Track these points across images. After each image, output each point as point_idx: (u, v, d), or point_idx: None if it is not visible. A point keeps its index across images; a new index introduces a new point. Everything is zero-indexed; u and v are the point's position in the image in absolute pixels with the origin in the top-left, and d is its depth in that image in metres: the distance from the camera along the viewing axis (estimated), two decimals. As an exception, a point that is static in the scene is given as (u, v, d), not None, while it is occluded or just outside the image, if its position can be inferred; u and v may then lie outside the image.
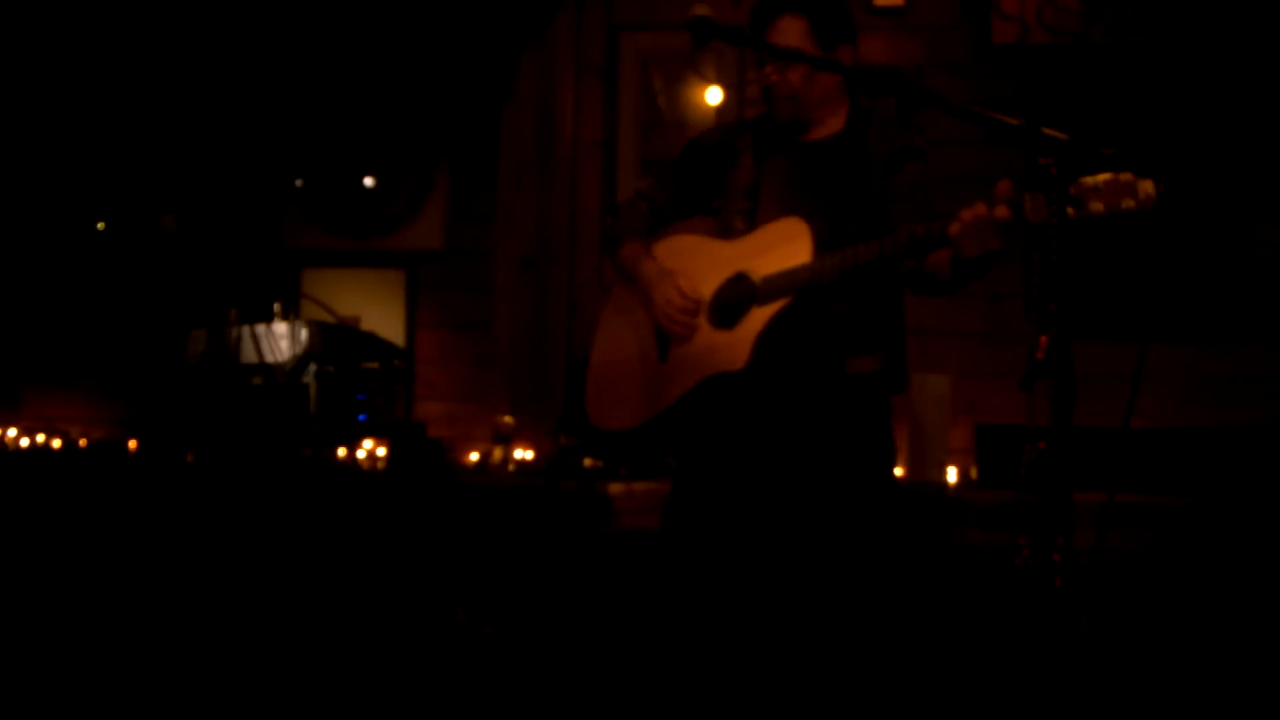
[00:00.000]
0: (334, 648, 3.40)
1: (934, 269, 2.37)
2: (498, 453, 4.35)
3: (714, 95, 4.51)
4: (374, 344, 3.89)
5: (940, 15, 4.40)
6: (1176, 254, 4.18)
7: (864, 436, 2.61)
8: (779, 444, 2.59)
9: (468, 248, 4.81)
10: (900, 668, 2.67)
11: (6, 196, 5.07)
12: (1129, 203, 1.84)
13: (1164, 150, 4.14)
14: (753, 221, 2.61)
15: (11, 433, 4.90)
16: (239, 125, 4.80)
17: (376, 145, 4.83)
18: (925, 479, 3.89)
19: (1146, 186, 1.83)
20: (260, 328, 3.61)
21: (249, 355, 3.63)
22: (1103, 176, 1.86)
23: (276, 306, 3.66)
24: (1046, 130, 1.83)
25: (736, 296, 2.55)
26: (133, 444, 4.47)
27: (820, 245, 2.43)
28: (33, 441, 4.86)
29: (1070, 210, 1.85)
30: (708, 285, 2.62)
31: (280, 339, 3.60)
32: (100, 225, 5.02)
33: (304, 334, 3.59)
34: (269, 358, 3.59)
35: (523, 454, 4.37)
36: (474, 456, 4.48)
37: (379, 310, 4.79)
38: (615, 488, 3.73)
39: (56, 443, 4.82)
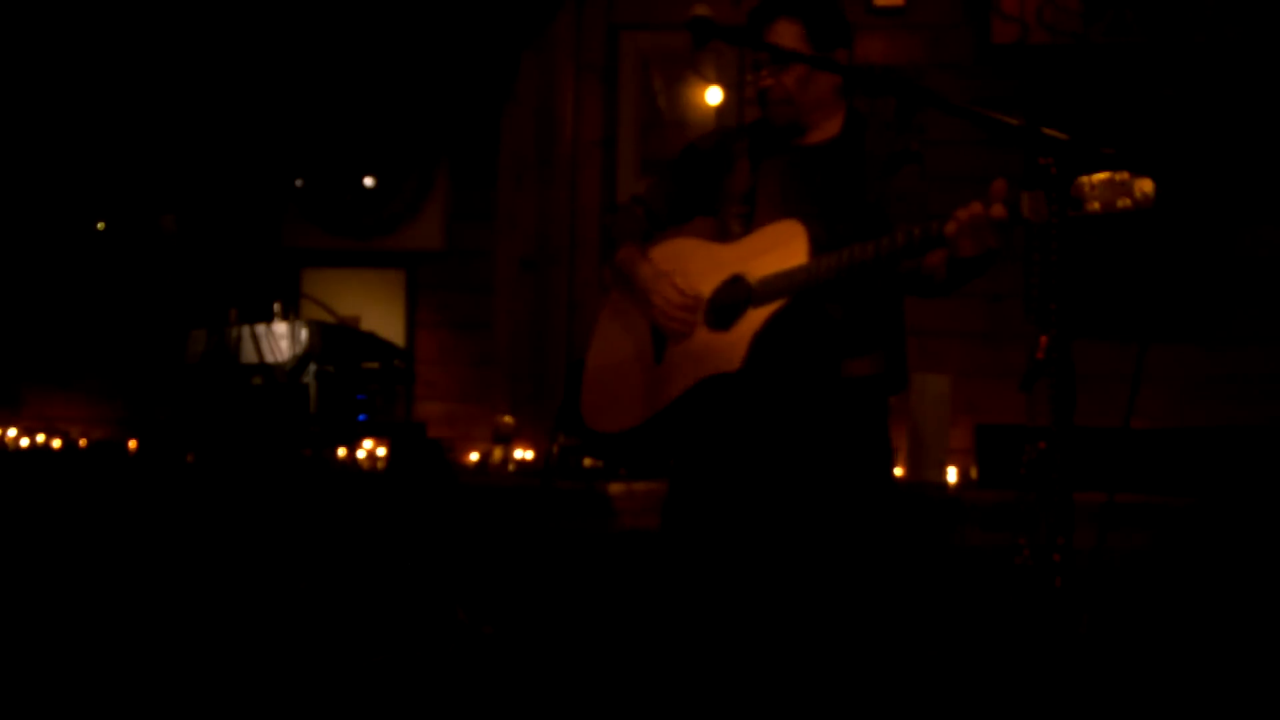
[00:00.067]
0: (334, 648, 3.40)
1: (930, 270, 2.37)
2: (498, 453, 4.35)
3: (714, 95, 4.51)
4: (374, 344, 3.89)
5: (940, 15, 4.40)
6: (1177, 254, 4.17)
7: (860, 438, 2.62)
8: (774, 445, 2.60)
9: (468, 248, 4.81)
10: (900, 668, 2.67)
11: (6, 196, 5.07)
12: (1126, 202, 1.84)
13: (1164, 150, 4.14)
14: (749, 225, 2.62)
15: (11, 433, 4.90)
16: (239, 125, 4.80)
17: (376, 145, 4.83)
18: (925, 479, 3.88)
19: (1144, 186, 1.83)
20: (260, 328, 3.61)
21: (249, 355, 3.63)
22: (1100, 176, 1.87)
23: (276, 306, 3.66)
24: (1046, 130, 1.83)
25: (733, 298, 2.56)
26: (133, 444, 4.47)
27: (816, 247, 2.44)
28: (33, 441, 4.86)
29: (1054, 205, 1.85)
30: (705, 287, 2.63)
31: (280, 339, 3.60)
32: (100, 225, 5.02)
33: (304, 334, 3.59)
34: (269, 358, 3.59)
35: (523, 454, 4.37)
36: (474, 456, 4.48)
37: (379, 310, 4.80)
38: (615, 488, 3.73)
39: (56, 443, 4.82)
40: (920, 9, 4.41)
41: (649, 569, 2.74)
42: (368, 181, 4.83)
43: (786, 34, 2.57)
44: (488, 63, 4.71)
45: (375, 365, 3.86)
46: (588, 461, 3.97)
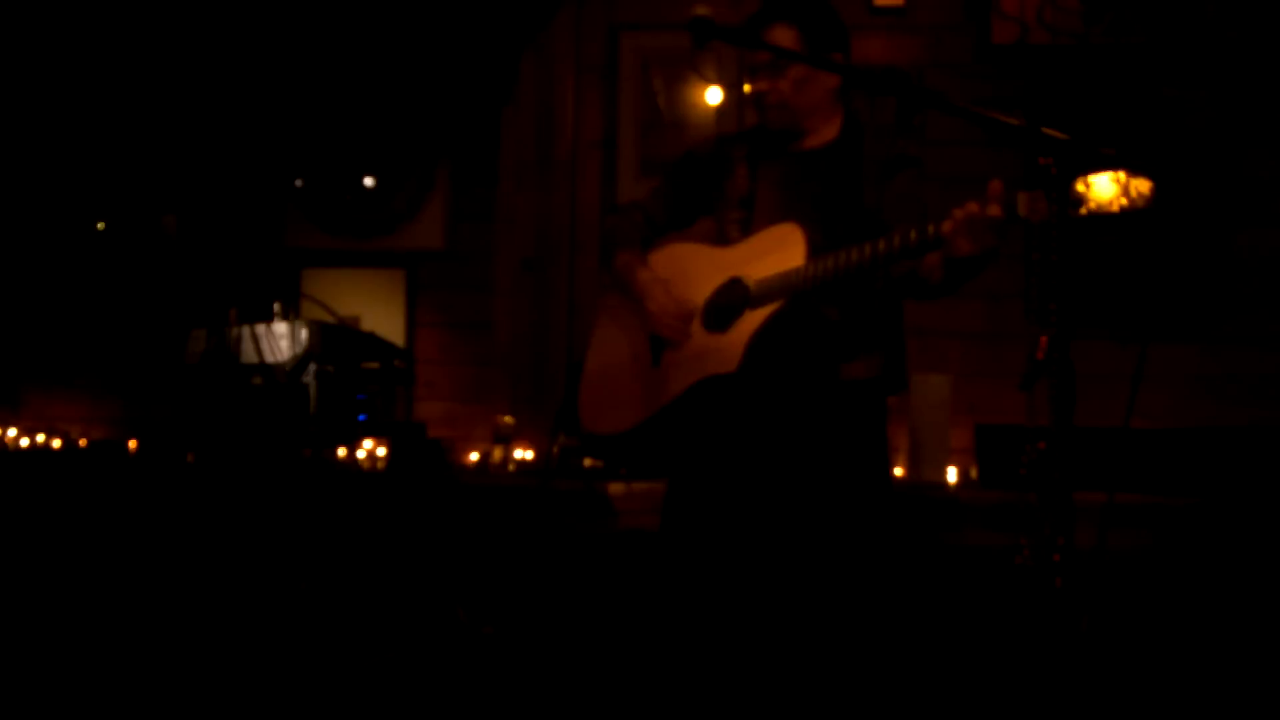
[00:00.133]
0: (334, 648, 3.40)
1: (927, 271, 2.38)
2: (498, 453, 4.35)
3: (714, 95, 4.51)
4: (374, 344, 3.89)
5: (940, 15, 4.40)
6: (1178, 253, 4.17)
7: (857, 440, 2.62)
8: (770, 446, 2.60)
9: (468, 248, 4.81)
10: (900, 668, 2.67)
11: (6, 196, 5.07)
12: (1123, 202, 1.84)
13: (1163, 150, 4.14)
14: (748, 230, 2.63)
15: (11, 433, 4.91)
16: (239, 125, 4.80)
17: (376, 145, 4.83)
18: (925, 479, 3.88)
19: (1141, 186, 1.83)
20: (260, 328, 3.61)
21: (249, 355, 3.62)
22: (1097, 176, 1.87)
23: (276, 306, 3.66)
24: (1046, 130, 1.83)
25: (730, 300, 2.57)
26: (133, 444, 4.47)
27: (814, 250, 2.45)
28: (33, 441, 4.86)
29: (1054, 205, 1.86)
30: (703, 290, 2.64)
31: (280, 339, 3.60)
32: (100, 225, 5.01)
33: (304, 334, 3.59)
34: (269, 358, 3.59)
35: (523, 454, 4.37)
36: (474, 456, 4.48)
37: (379, 310, 4.80)
38: (615, 488, 3.73)
39: (56, 443, 4.82)
40: (920, 9, 4.40)
41: (649, 569, 2.75)
42: (368, 181, 4.83)
43: (783, 40, 2.58)
44: (488, 63, 4.71)
45: (375, 365, 3.85)
46: (588, 461, 3.96)
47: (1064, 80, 4.24)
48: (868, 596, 2.57)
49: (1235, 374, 4.15)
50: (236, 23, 4.68)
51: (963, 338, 4.32)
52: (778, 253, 2.49)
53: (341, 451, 4.37)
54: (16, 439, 4.88)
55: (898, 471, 3.95)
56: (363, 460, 4.35)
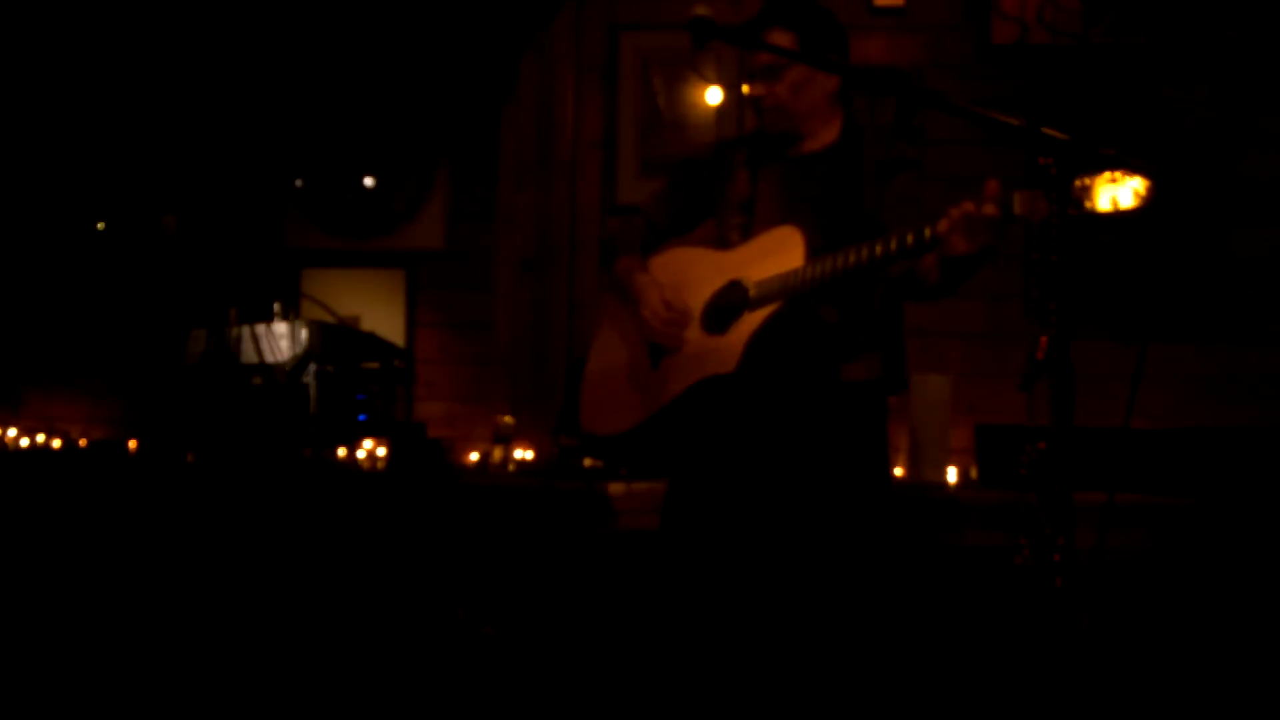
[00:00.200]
0: (334, 648, 3.40)
1: (924, 272, 2.39)
2: (498, 453, 4.35)
3: (714, 95, 4.51)
4: (374, 344, 3.89)
5: (940, 15, 4.40)
6: (1178, 253, 4.17)
7: (857, 441, 2.62)
8: (769, 447, 2.60)
9: (468, 248, 4.81)
10: (900, 668, 2.67)
11: (6, 196, 5.07)
12: (1119, 200, 1.85)
13: (1164, 150, 4.14)
14: (749, 234, 2.65)
15: (11, 433, 4.91)
16: (239, 125, 4.80)
17: (376, 145, 4.83)
18: (925, 479, 3.88)
19: (1136, 184, 1.84)
20: (260, 328, 3.61)
21: (249, 355, 3.62)
22: (1094, 175, 1.87)
23: (276, 306, 3.66)
24: (1046, 130, 1.83)
25: (729, 302, 2.58)
26: (133, 444, 4.47)
27: (813, 252, 2.46)
28: (33, 441, 4.86)
29: (1054, 205, 1.86)
30: (704, 293, 2.65)
31: (280, 339, 3.60)
32: (100, 225, 5.01)
33: (304, 334, 3.59)
34: (269, 358, 3.59)
35: (523, 454, 4.37)
36: (474, 456, 4.48)
37: (379, 310, 4.80)
38: (615, 488, 3.73)
39: (56, 443, 4.82)
40: (920, 9, 4.40)
41: (649, 569, 2.75)
42: (368, 181, 4.83)
43: (780, 43, 2.59)
44: (488, 63, 4.71)
45: (375, 365, 3.85)
46: (588, 461, 3.96)
47: (1064, 80, 4.24)
48: (868, 597, 2.57)
49: (1235, 374, 4.15)
50: (236, 23, 4.68)
51: (963, 338, 4.32)
52: (777, 255, 2.50)
53: (341, 451, 4.37)
54: (16, 439, 4.88)
55: (898, 471, 3.95)
56: (363, 460, 4.35)
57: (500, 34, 4.68)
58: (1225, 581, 3.31)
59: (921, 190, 2.58)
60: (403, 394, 4.45)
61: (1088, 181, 1.87)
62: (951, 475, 3.92)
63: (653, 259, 2.80)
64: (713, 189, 2.76)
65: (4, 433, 4.90)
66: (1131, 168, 1.83)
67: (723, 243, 2.69)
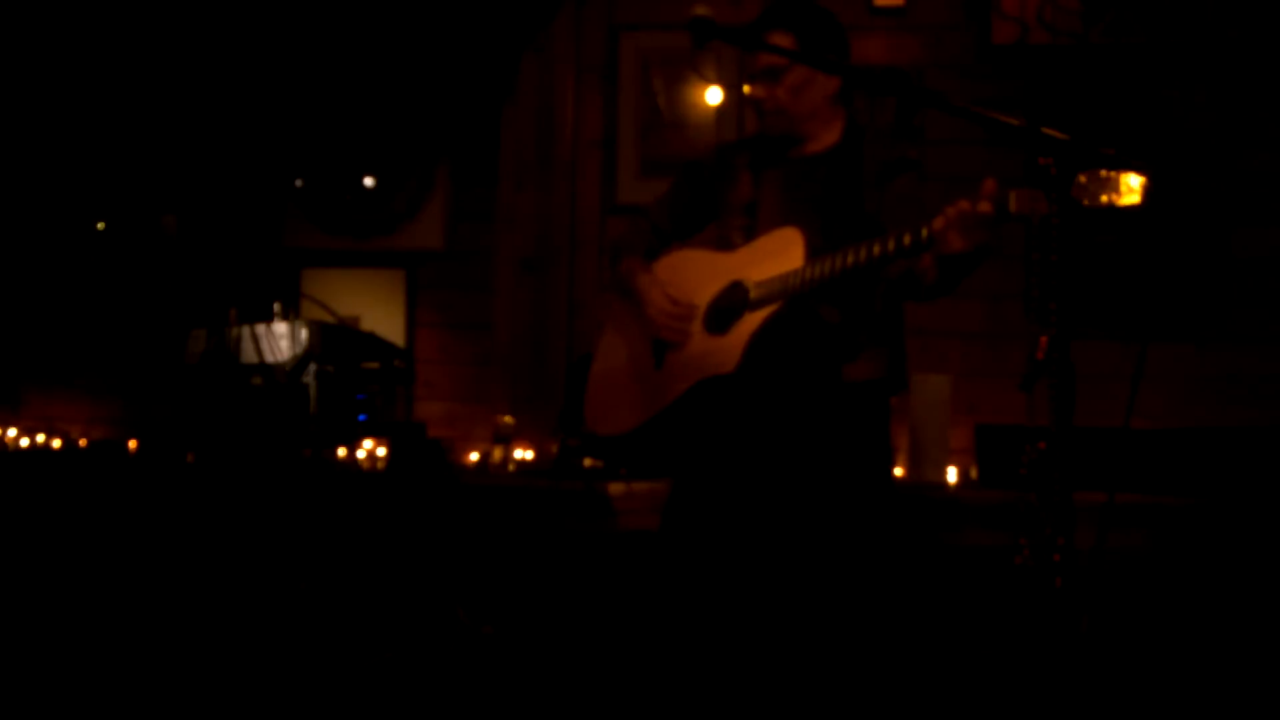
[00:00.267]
0: (334, 648, 3.40)
1: (921, 272, 2.39)
2: (498, 453, 4.35)
3: (714, 95, 4.51)
4: (374, 344, 3.89)
5: (940, 15, 4.40)
6: (1178, 253, 4.17)
7: (859, 441, 2.63)
8: (770, 447, 2.61)
9: (468, 248, 4.81)
10: (900, 668, 2.67)
11: (6, 196, 5.07)
12: (1113, 197, 1.85)
13: (1164, 150, 4.14)
14: (752, 236, 2.66)
15: (11, 433, 4.91)
16: (239, 125, 4.80)
17: (376, 145, 4.83)
18: (925, 479, 3.88)
19: (1131, 181, 1.84)
20: (260, 328, 3.61)
21: (249, 355, 3.62)
22: (1089, 171, 1.87)
23: (276, 306, 3.66)
24: (1046, 130, 1.83)
25: (730, 303, 2.59)
26: (133, 444, 4.47)
27: (813, 252, 2.47)
28: (33, 441, 4.86)
29: (1053, 205, 1.86)
30: (706, 294, 2.67)
31: (280, 339, 3.60)
32: (100, 225, 5.01)
33: (304, 334, 3.59)
34: (269, 358, 3.59)
35: (523, 454, 4.37)
36: (474, 456, 4.48)
37: (379, 310, 4.80)
38: (615, 488, 3.73)
39: (56, 443, 4.82)
40: (920, 9, 4.40)
41: (649, 569, 2.75)
42: (368, 181, 4.83)
43: (782, 47, 2.60)
44: (488, 63, 4.71)
45: (375, 365, 3.85)
46: (588, 461, 3.97)
47: (1064, 80, 4.24)
48: (871, 597, 2.57)
49: (1235, 374, 4.15)
50: (236, 23, 4.68)
51: (963, 338, 4.32)
52: (778, 256, 2.51)
53: (341, 451, 4.37)
54: (16, 439, 4.88)
55: (898, 471, 3.95)
56: (363, 460, 4.35)
57: (500, 34, 4.68)
58: (1225, 581, 3.31)
59: (922, 191, 2.59)
60: (403, 394, 4.45)
61: (1079, 179, 1.86)
62: (951, 475, 3.92)
63: (657, 262, 2.82)
64: (716, 192, 2.78)
65: (4, 433, 4.90)
66: (1131, 167, 1.83)
67: (726, 244, 2.70)
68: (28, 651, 3.51)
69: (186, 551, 3.75)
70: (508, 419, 4.39)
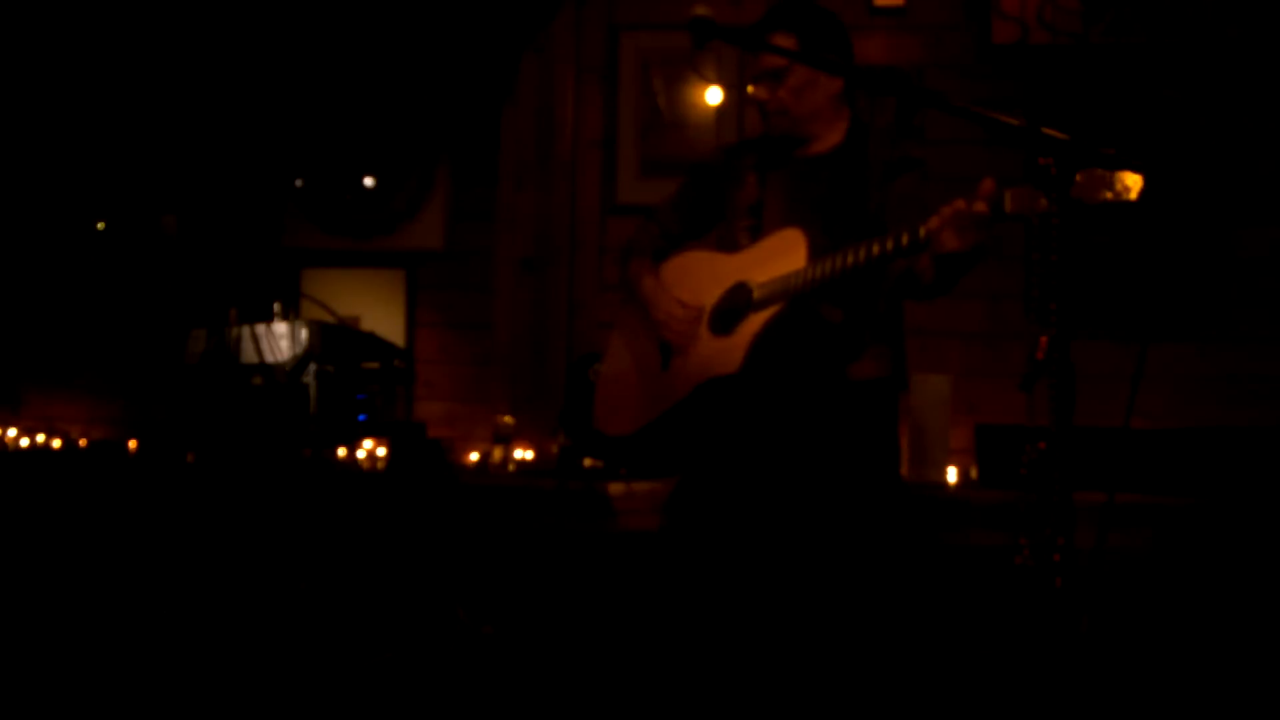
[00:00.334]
0: (334, 648, 3.40)
1: (920, 270, 2.41)
2: (498, 453, 4.35)
3: (714, 95, 4.51)
4: (374, 344, 3.89)
5: (940, 15, 4.40)
6: (1178, 253, 4.17)
7: (866, 439, 2.63)
8: (774, 446, 2.61)
9: (468, 248, 4.81)
10: (900, 668, 2.67)
11: (6, 196, 5.07)
12: (1107, 195, 1.85)
13: (1164, 150, 4.14)
14: (757, 237, 2.68)
15: (11, 433, 4.91)
16: (239, 125, 4.80)
17: (376, 145, 4.83)
18: (925, 479, 3.89)
19: (1125, 179, 1.84)
20: (260, 328, 3.61)
21: (249, 355, 3.62)
22: (1085, 170, 1.87)
23: (276, 306, 3.66)
24: (1046, 130, 1.83)
25: (734, 304, 2.61)
26: (133, 444, 4.47)
27: (815, 252, 2.48)
28: (33, 441, 4.86)
29: (1046, 203, 1.86)
30: (711, 296, 2.69)
31: (280, 339, 3.60)
32: (100, 225, 5.01)
33: (304, 334, 3.59)
34: (269, 358, 3.59)
35: (523, 454, 4.38)
36: (474, 456, 4.48)
37: (379, 310, 4.80)
38: (615, 488, 3.73)
39: (56, 443, 4.82)
40: (920, 9, 4.40)
41: (649, 569, 2.76)
42: (368, 181, 4.83)
43: (784, 48, 2.61)
44: (488, 63, 4.71)
45: (375, 365, 3.85)
46: (588, 461, 3.97)
47: (1064, 80, 4.24)
48: (882, 595, 2.58)
49: (1235, 374, 4.15)
50: (236, 23, 4.68)
51: (963, 338, 4.32)
52: (781, 257, 2.52)
53: (341, 451, 4.37)
54: (16, 439, 4.87)
55: (898, 472, 3.95)
56: (363, 460, 4.35)
57: (500, 34, 4.68)
58: (1225, 581, 3.31)
59: (925, 190, 2.59)
60: (403, 394, 4.45)
61: (1080, 178, 1.86)
62: (951, 475, 3.92)
63: (664, 263, 2.85)
64: (722, 193, 2.80)
65: (4, 433, 4.90)
66: (1132, 167, 1.83)
67: (732, 245, 2.72)
68: (28, 651, 3.51)
69: (186, 552, 3.75)
70: (508, 419, 4.40)
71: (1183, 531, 3.38)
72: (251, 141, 4.80)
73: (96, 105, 4.92)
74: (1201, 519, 3.39)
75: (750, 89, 2.72)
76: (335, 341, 3.69)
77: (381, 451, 4.33)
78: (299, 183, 4.84)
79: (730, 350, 2.55)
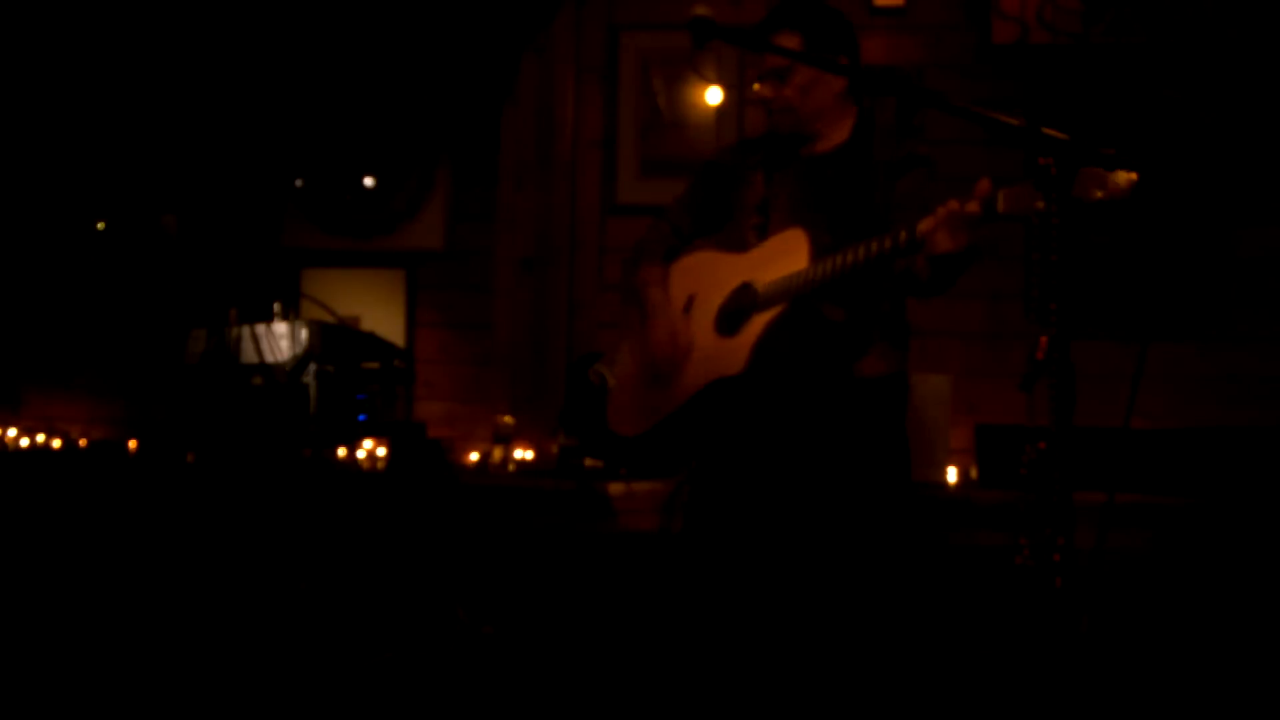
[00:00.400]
0: (334, 648, 3.40)
1: (918, 269, 2.42)
2: (498, 453, 4.35)
3: (714, 95, 4.50)
4: (374, 344, 3.89)
5: (940, 15, 4.40)
6: (1178, 253, 4.17)
7: (876, 437, 2.64)
8: (782, 445, 2.62)
9: (468, 248, 4.81)
10: (901, 667, 2.67)
11: (7, 196, 5.07)
12: (1099, 193, 1.85)
13: (1164, 150, 4.14)
14: (765, 236, 2.68)
15: (11, 433, 4.90)
16: (239, 125, 4.80)
17: (376, 145, 4.83)
18: (925, 479, 3.88)
19: (1118, 177, 1.84)
20: (260, 328, 3.61)
21: (249, 355, 3.62)
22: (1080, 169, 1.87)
23: (276, 306, 3.66)
24: (1046, 130, 1.83)
25: (740, 305, 2.62)
26: (133, 444, 4.47)
27: (818, 252, 2.49)
28: (33, 441, 4.86)
29: (1040, 203, 1.86)
30: (718, 297, 2.71)
31: (280, 339, 3.60)
32: (100, 225, 5.01)
33: (304, 334, 3.59)
34: (269, 358, 3.59)
35: (523, 454, 4.37)
36: (474, 456, 4.48)
37: (379, 310, 4.79)
38: (615, 488, 3.73)
39: (56, 443, 4.82)
40: (920, 9, 4.40)
41: (649, 569, 2.76)
42: (368, 181, 4.82)
43: (788, 47, 2.61)
44: (488, 63, 4.71)
45: (375, 365, 3.85)
46: (588, 462, 3.97)
47: (1064, 80, 4.24)
48: (894, 593, 2.58)
49: (1235, 374, 4.15)
50: (236, 22, 4.68)
51: (963, 338, 4.32)
52: (784, 258, 2.53)
53: (341, 451, 4.37)
54: (16, 439, 4.87)
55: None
56: (363, 460, 4.35)
57: (500, 34, 4.68)
58: (1225, 581, 3.31)
59: (930, 188, 2.59)
60: (403, 394, 4.45)
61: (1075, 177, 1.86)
62: (951, 475, 3.92)
63: (674, 264, 2.86)
64: (731, 192, 2.80)
65: (4, 433, 4.90)
66: (1132, 167, 1.83)
67: (741, 244, 2.73)
68: (28, 651, 3.51)
69: (186, 552, 3.75)
70: (508, 419, 4.39)
71: (1182, 531, 3.38)
72: (251, 141, 4.80)
73: (96, 105, 4.92)
74: (1201, 519, 3.39)
75: (755, 87, 2.72)
76: (335, 341, 3.69)
77: (381, 451, 4.33)
78: (299, 183, 4.84)
79: (735, 351, 2.56)
